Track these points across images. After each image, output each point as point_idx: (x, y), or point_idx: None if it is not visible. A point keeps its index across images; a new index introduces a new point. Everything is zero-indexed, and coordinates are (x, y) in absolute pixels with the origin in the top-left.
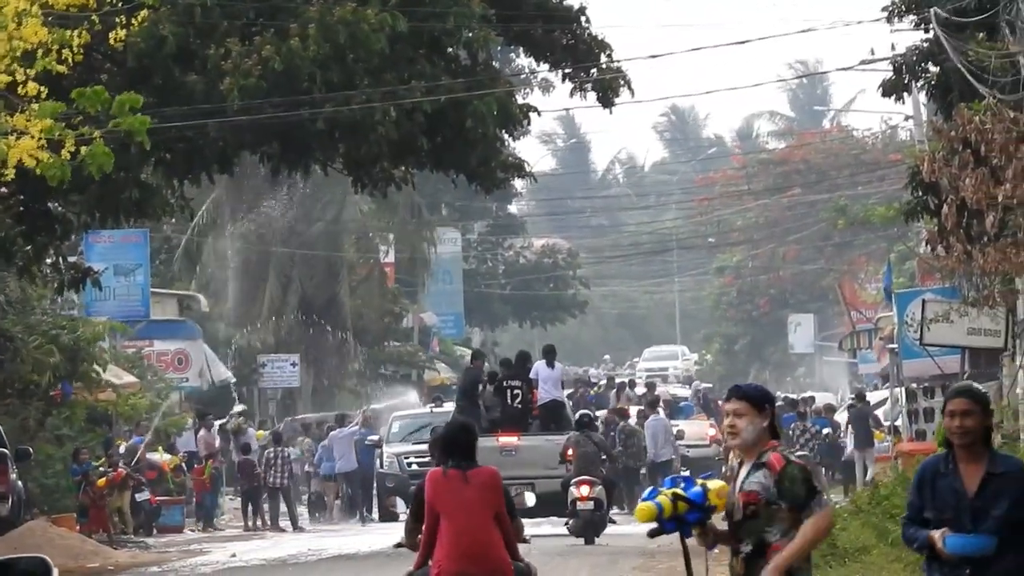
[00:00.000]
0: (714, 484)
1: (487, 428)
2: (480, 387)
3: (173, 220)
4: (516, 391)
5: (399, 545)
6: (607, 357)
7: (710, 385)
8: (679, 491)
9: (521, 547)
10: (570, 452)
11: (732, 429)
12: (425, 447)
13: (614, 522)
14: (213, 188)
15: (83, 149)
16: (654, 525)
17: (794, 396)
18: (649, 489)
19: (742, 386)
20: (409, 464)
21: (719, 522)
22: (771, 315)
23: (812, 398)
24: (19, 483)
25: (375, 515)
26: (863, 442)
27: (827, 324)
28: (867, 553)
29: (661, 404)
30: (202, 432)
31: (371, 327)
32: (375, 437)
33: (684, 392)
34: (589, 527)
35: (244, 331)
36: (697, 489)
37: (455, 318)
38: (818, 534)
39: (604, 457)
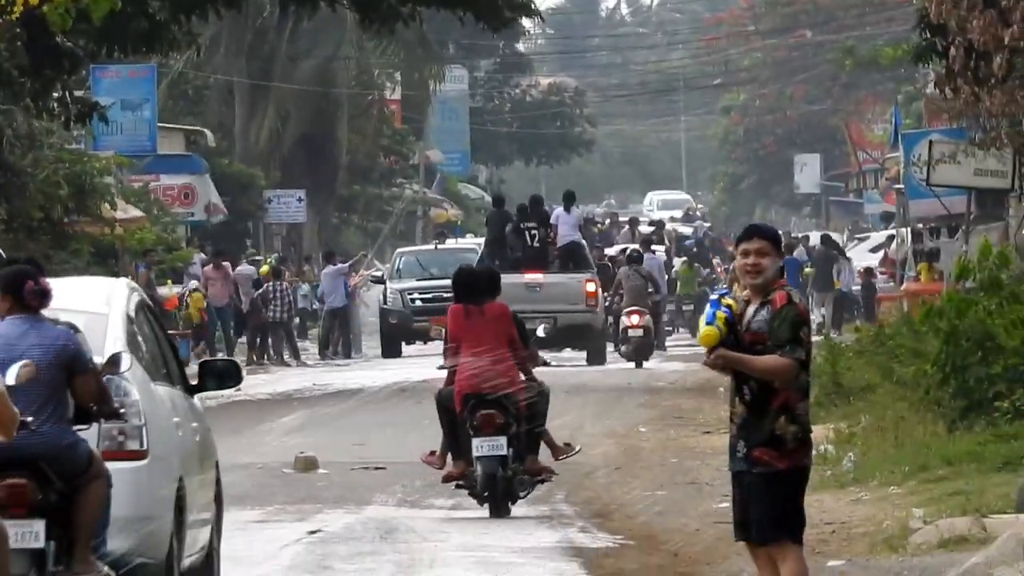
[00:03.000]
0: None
1: (512, 266)
2: (506, 229)
3: (179, 56)
4: (533, 232)
5: (441, 367)
6: (612, 200)
7: (708, 224)
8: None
9: (542, 371)
10: (621, 285)
11: (756, 267)
12: (429, 283)
13: (663, 348)
14: (216, 24)
15: None
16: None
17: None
18: (708, 312)
19: (761, 225)
20: (413, 300)
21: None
22: (777, 155)
23: (807, 237)
24: None
25: (363, 352)
26: (823, 286)
27: (833, 164)
28: (872, 392)
29: (667, 241)
30: (207, 268)
31: (374, 164)
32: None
33: (688, 231)
34: (640, 351)
35: (249, 166)
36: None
37: (461, 156)
38: (776, 371)
39: (651, 290)
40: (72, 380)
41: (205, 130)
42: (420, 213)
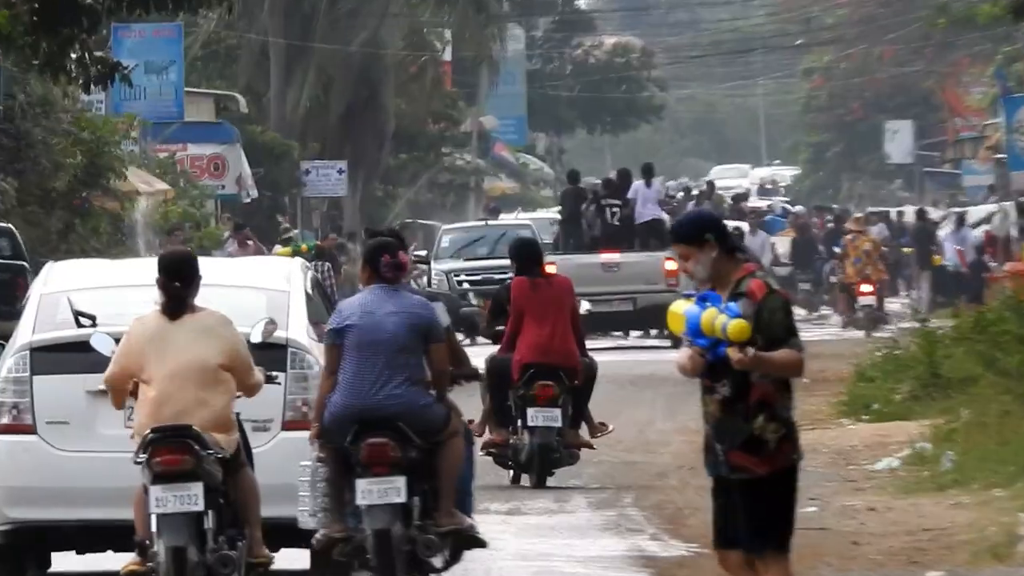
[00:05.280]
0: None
1: (589, 245)
2: (583, 206)
3: (210, 15)
4: (615, 209)
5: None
6: (685, 179)
7: (787, 199)
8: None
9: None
10: None
11: (687, 274)
12: (479, 264)
13: None
14: None
15: None
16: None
17: (884, 210)
18: (724, 305)
19: (674, 227)
20: (460, 283)
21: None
22: (865, 121)
23: (900, 212)
24: None
25: None
26: (921, 264)
27: (927, 132)
28: (974, 384)
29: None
30: (233, 246)
31: (421, 132)
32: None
33: (762, 205)
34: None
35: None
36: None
37: (517, 123)
38: (790, 367)
39: None
40: (428, 347)
41: (236, 95)
42: (472, 185)
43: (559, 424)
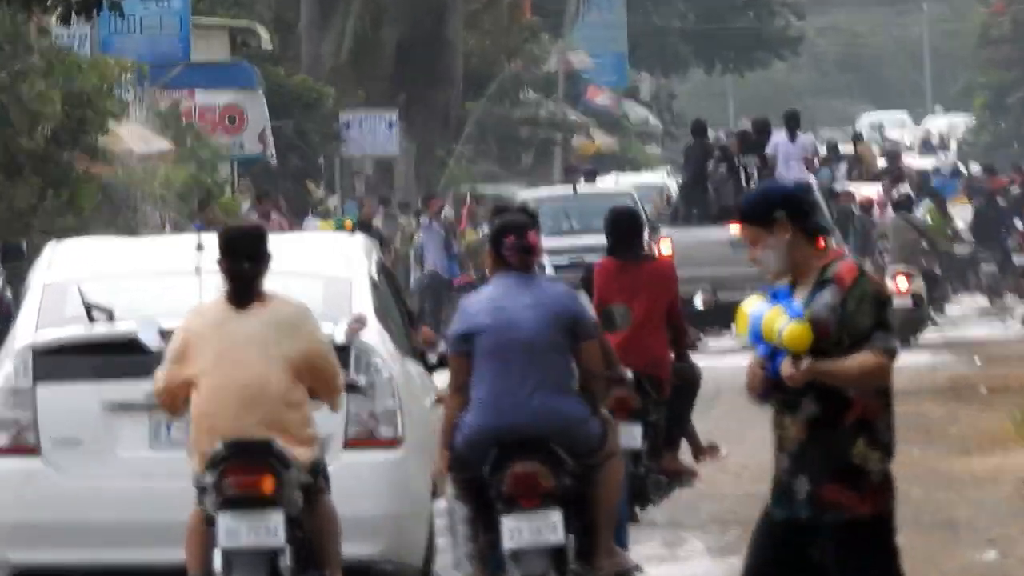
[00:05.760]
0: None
1: (717, 216)
2: (710, 165)
3: None
4: (751, 170)
5: None
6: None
7: (956, 159)
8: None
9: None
10: (886, 237)
11: (756, 263)
12: (566, 243)
13: (935, 323)
14: None
15: None
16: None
17: None
18: (788, 305)
19: (741, 206)
20: (541, 267)
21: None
22: None
23: None
24: (7, 292)
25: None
26: None
27: None
28: None
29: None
30: (274, 215)
31: (495, 73)
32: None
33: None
34: (906, 326)
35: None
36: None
37: (616, 60)
38: (873, 374)
39: (927, 245)
40: (577, 346)
41: (258, 26)
42: (559, 140)
43: (638, 444)
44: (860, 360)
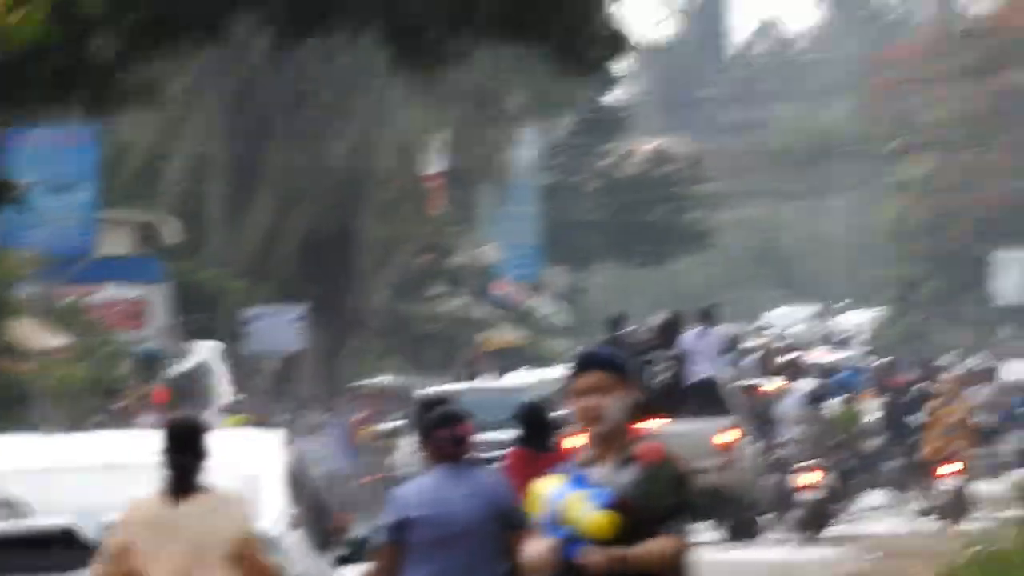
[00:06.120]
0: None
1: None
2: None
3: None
4: (666, 365)
5: None
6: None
7: (869, 348)
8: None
9: None
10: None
11: (592, 411)
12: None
13: (844, 517)
14: (188, 70)
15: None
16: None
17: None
18: (590, 491)
19: (597, 351)
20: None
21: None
22: (970, 249)
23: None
24: None
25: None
26: None
27: None
28: None
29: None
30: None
31: (405, 264)
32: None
33: (837, 357)
34: (815, 519)
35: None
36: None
37: (529, 254)
38: (668, 557)
39: (837, 439)
40: (510, 536)
41: (168, 219)
42: (464, 337)
43: None
44: (660, 545)
